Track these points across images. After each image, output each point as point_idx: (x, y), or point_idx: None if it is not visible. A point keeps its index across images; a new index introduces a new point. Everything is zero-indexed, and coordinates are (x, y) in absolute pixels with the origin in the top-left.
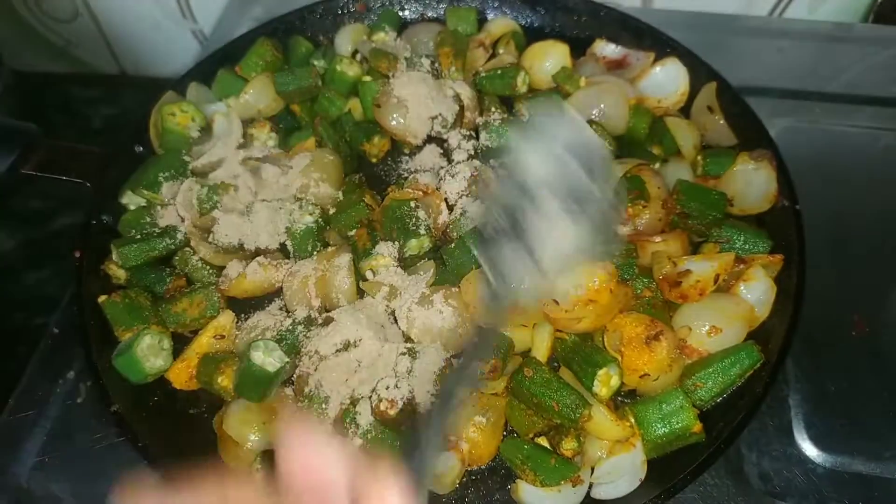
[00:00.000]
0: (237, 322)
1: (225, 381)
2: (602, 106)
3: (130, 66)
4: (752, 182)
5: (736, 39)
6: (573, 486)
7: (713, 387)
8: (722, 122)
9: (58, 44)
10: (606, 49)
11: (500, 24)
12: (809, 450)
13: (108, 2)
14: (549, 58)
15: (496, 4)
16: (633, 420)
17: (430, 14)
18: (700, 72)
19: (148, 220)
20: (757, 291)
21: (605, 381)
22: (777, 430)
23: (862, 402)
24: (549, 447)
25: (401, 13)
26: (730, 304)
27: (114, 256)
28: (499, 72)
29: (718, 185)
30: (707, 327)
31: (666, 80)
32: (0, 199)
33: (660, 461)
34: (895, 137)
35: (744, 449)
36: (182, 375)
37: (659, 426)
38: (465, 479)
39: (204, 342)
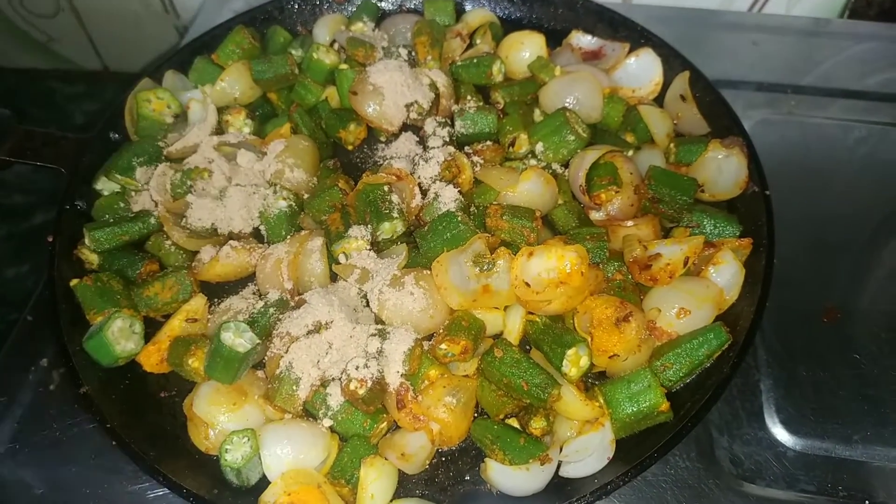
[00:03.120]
0: (210, 306)
1: (195, 362)
2: (577, 95)
3: (112, 62)
4: (723, 168)
5: (713, 34)
6: (542, 465)
7: (681, 367)
8: (694, 110)
9: (39, 39)
10: (582, 40)
11: (478, 14)
12: (780, 434)
13: None
14: (526, 48)
15: None
16: (602, 400)
17: (408, 5)
18: (674, 62)
19: (122, 205)
20: (726, 274)
21: (575, 362)
22: (748, 414)
23: (832, 387)
24: (518, 427)
25: (379, 4)
26: (699, 286)
27: (86, 240)
28: (475, 61)
29: (690, 171)
30: (676, 309)
31: (640, 70)
32: None
33: (628, 440)
34: (868, 129)
35: (715, 433)
36: (153, 358)
37: (627, 405)
38: (435, 460)
39: (176, 325)
